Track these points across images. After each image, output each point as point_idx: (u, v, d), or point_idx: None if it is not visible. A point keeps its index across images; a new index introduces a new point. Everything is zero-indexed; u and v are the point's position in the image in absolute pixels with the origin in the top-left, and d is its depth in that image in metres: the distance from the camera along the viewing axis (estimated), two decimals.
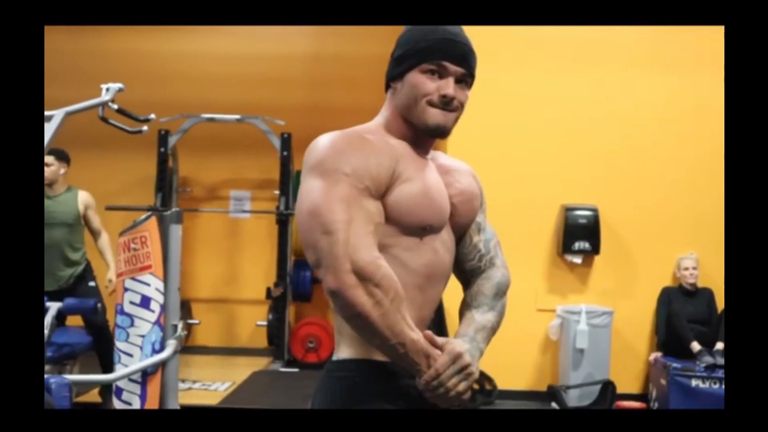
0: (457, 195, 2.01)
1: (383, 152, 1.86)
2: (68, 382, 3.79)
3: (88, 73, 7.49)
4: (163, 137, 7.88)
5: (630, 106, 6.91)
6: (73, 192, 5.87)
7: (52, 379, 3.58)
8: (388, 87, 2.00)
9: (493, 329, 2.06)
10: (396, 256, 1.85)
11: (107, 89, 5.55)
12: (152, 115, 5.94)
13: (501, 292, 2.12)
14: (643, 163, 6.88)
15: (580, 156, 6.88)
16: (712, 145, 6.82)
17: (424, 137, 1.97)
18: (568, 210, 6.77)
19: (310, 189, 1.79)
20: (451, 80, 1.92)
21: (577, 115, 6.91)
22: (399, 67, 1.95)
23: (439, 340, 1.82)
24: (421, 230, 1.88)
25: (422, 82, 1.91)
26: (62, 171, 5.79)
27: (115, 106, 5.61)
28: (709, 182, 6.81)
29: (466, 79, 1.96)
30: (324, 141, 1.85)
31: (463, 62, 1.94)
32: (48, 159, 5.67)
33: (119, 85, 5.62)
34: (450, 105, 1.92)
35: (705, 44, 6.87)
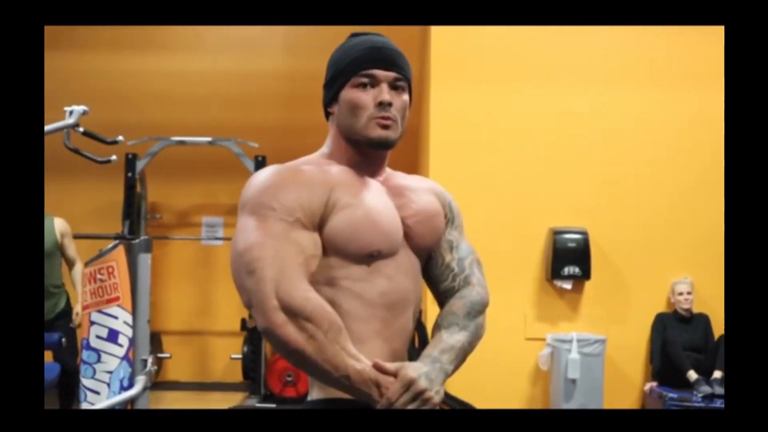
0: (413, 216, 1.99)
1: (316, 182, 1.86)
2: None
3: (50, 94, 7.40)
4: (130, 161, 7.82)
5: (621, 126, 6.95)
6: (49, 220, 5.94)
7: None
8: (326, 114, 2.03)
9: (464, 350, 2.00)
10: (347, 288, 1.85)
11: (71, 112, 5.54)
12: (120, 137, 5.91)
13: (474, 311, 2.07)
14: (634, 183, 6.91)
15: (568, 177, 6.89)
16: (706, 165, 6.85)
17: (371, 156, 1.98)
18: (556, 233, 6.75)
19: (238, 229, 1.84)
20: (384, 86, 1.92)
21: (565, 135, 6.93)
22: (331, 89, 1.98)
23: (391, 366, 1.79)
24: (369, 257, 1.87)
25: (356, 96, 1.92)
26: None
27: (81, 129, 5.57)
28: (704, 203, 6.84)
29: (400, 84, 1.95)
30: (255, 179, 1.88)
31: (392, 66, 1.94)
32: None
33: (83, 107, 5.59)
34: (388, 111, 1.91)
35: (699, 62, 6.94)
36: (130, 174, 7.86)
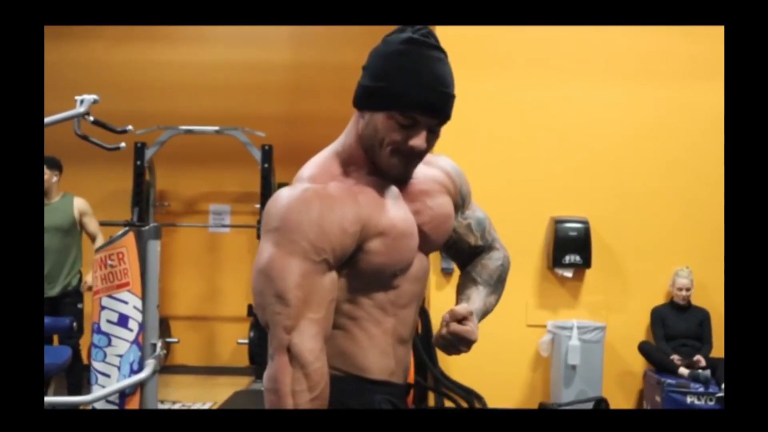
0: (428, 222, 1.97)
1: (347, 212, 1.80)
2: None
3: (62, 84, 7.44)
4: (139, 150, 7.84)
5: (622, 116, 6.94)
6: (68, 198, 6.12)
7: None
8: (355, 105, 1.93)
9: (489, 311, 2.16)
10: (364, 301, 1.87)
11: (81, 101, 5.56)
12: (129, 127, 5.94)
13: (504, 277, 2.21)
14: (635, 173, 6.89)
15: (570, 167, 6.89)
16: (707, 157, 6.85)
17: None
18: (557, 222, 6.77)
19: (264, 253, 1.78)
20: (423, 133, 1.83)
21: (567, 126, 6.92)
22: (369, 100, 1.85)
23: (461, 309, 1.94)
24: (390, 278, 1.89)
25: (391, 130, 1.81)
26: (54, 179, 6.09)
27: (91, 118, 5.60)
28: (705, 193, 6.84)
29: (436, 129, 1.87)
30: (285, 201, 1.79)
31: (440, 114, 1.85)
32: None
33: (94, 96, 5.61)
34: (417, 156, 1.86)
35: (700, 55, 6.92)
36: (139, 162, 7.88)
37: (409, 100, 1.79)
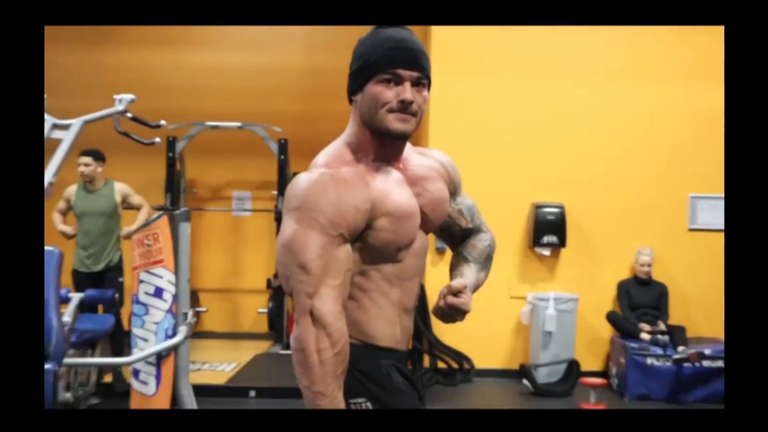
0: (428, 204, 1.97)
1: (359, 193, 1.80)
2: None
3: (100, 86, 7.45)
4: (171, 143, 7.84)
5: (594, 116, 6.95)
6: (110, 185, 6.08)
7: None
8: (350, 100, 1.94)
9: (480, 286, 2.14)
10: (374, 273, 1.86)
11: (120, 100, 5.56)
12: (163, 122, 5.92)
13: (491, 256, 2.20)
14: (605, 165, 6.91)
15: (548, 159, 6.91)
16: (669, 150, 6.87)
17: (392, 145, 1.91)
18: (537, 207, 6.79)
19: (287, 230, 1.77)
20: (407, 85, 1.83)
21: (546, 123, 6.93)
22: (357, 81, 1.88)
23: (456, 284, 1.96)
24: (396, 252, 1.88)
25: (380, 91, 1.83)
26: (99, 169, 6.02)
27: (129, 115, 5.60)
28: (665, 182, 6.86)
29: (422, 81, 1.86)
30: (304, 183, 1.80)
31: (415, 66, 1.84)
32: (86, 159, 5.95)
33: (131, 96, 5.61)
34: (409, 109, 1.83)
35: (663, 54, 6.90)
36: (171, 154, 7.87)
37: (385, 59, 1.83)
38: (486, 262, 2.17)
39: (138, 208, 6.12)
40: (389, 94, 1.83)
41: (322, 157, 1.90)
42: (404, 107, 1.83)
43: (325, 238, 1.74)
